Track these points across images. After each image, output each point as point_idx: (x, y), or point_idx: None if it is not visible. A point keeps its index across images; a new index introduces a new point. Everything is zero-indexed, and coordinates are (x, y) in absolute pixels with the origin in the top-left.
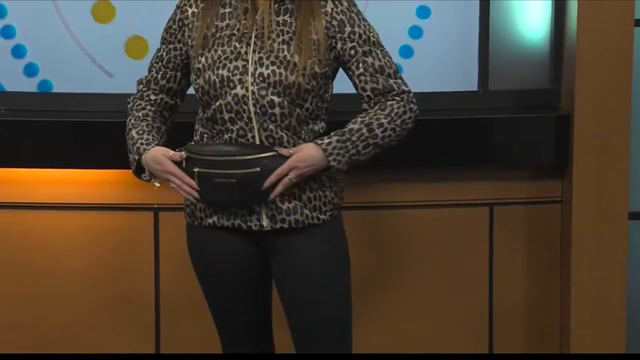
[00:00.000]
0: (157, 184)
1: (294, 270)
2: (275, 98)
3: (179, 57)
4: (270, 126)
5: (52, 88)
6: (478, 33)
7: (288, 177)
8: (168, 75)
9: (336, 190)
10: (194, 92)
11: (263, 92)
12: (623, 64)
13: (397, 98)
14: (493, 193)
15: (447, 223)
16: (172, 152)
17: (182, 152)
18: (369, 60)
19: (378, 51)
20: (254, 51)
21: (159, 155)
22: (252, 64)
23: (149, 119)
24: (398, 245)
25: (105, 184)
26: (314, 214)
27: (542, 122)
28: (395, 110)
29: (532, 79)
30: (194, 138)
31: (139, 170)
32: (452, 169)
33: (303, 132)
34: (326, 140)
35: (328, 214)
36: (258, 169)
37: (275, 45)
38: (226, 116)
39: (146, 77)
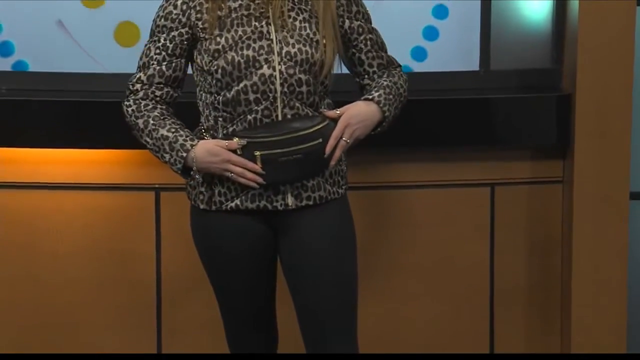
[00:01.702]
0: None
1: (302, 243)
2: (302, 76)
3: (185, 42)
4: (297, 104)
5: (27, 69)
6: (480, 13)
7: (343, 138)
8: (174, 64)
9: (346, 164)
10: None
11: (291, 71)
12: (625, 44)
13: (398, 69)
14: (494, 173)
15: (448, 203)
16: (227, 141)
17: (237, 139)
18: (374, 37)
19: (375, 29)
20: (276, 30)
21: (212, 146)
22: (277, 43)
23: (169, 116)
24: (398, 225)
25: (106, 164)
26: (334, 189)
27: (543, 102)
28: (403, 78)
29: (534, 58)
30: (206, 124)
31: (184, 169)
32: (453, 149)
33: (322, 107)
34: (375, 94)
35: (344, 187)
36: (320, 140)
37: (297, 23)
38: (251, 97)
39: (144, 73)
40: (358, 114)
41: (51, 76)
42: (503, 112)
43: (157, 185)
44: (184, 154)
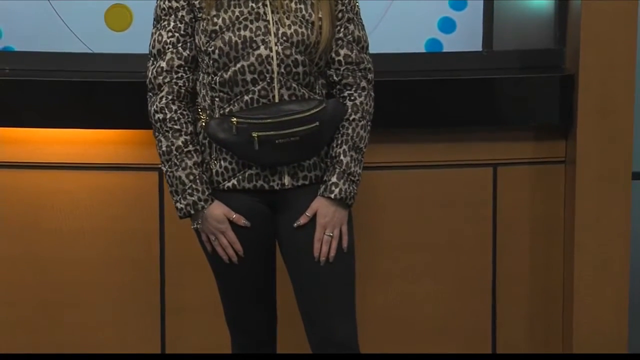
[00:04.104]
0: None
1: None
2: (298, 57)
3: (193, 20)
4: (294, 84)
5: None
6: None
7: (326, 234)
8: (189, 44)
9: None
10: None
11: (287, 52)
12: (628, 24)
13: (363, 81)
14: (497, 153)
15: (450, 183)
16: (235, 214)
17: (244, 220)
18: (351, 27)
19: (359, 22)
20: (272, 11)
21: (221, 215)
22: (273, 24)
23: (193, 149)
24: (401, 205)
25: (109, 144)
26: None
27: (546, 82)
28: (365, 108)
29: (537, 39)
30: (203, 104)
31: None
32: (456, 130)
33: (317, 87)
34: (336, 190)
35: None
36: (317, 123)
37: (293, 5)
38: (248, 77)
39: (163, 60)
40: (327, 211)
41: (53, 56)
42: (506, 92)
43: (160, 165)
44: (192, 212)
